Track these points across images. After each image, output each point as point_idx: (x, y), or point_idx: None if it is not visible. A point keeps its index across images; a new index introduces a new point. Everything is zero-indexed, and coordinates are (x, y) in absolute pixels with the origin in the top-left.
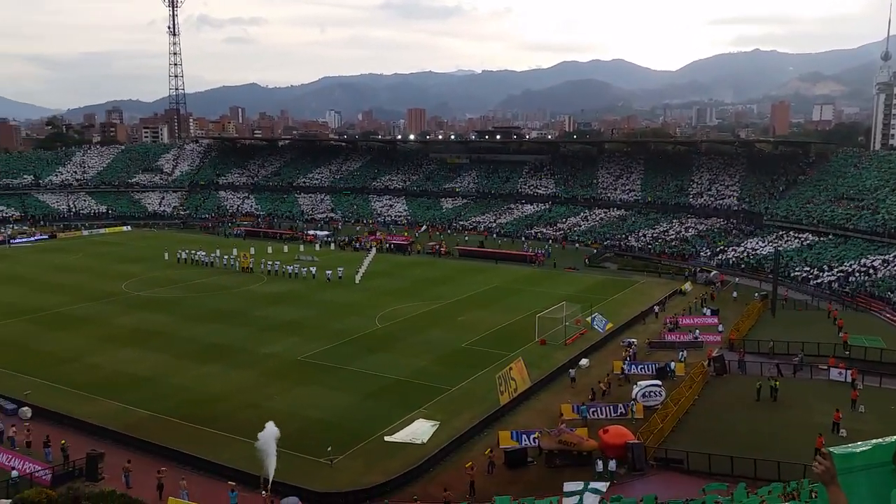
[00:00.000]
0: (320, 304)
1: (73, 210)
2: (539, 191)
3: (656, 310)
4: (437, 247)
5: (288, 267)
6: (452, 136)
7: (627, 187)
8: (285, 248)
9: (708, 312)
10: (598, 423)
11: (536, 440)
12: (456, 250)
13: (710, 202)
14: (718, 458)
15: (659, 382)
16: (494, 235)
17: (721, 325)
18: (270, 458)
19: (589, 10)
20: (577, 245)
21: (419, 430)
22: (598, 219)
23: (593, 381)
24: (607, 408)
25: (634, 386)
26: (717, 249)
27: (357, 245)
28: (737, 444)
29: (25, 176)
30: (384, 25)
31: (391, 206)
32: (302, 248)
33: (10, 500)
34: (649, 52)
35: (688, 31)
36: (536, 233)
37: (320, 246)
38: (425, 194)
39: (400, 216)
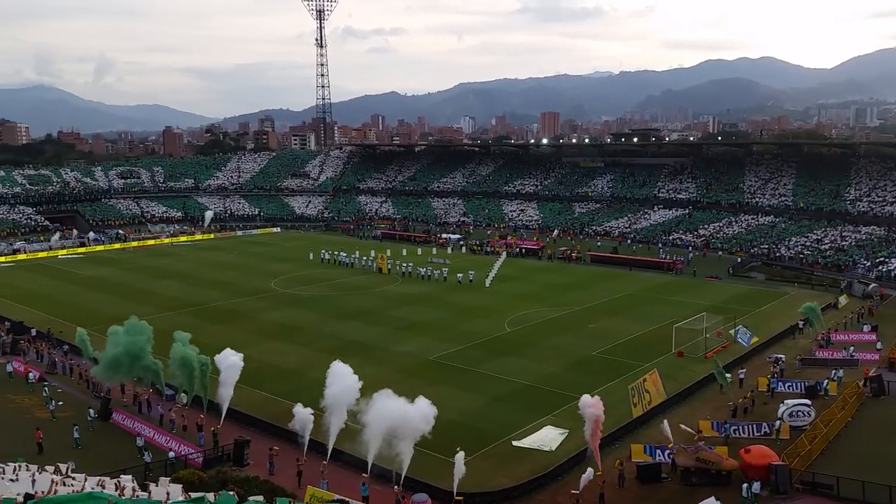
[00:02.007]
0: (451, 305)
1: (228, 211)
2: (679, 195)
3: (800, 324)
4: (569, 252)
5: (421, 269)
6: (586, 140)
7: (777, 192)
8: (419, 251)
9: (866, 328)
10: (739, 441)
11: (671, 456)
12: (588, 256)
13: (869, 209)
14: (874, 487)
15: (808, 402)
16: (629, 241)
17: (880, 343)
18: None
19: (736, 6)
20: (719, 253)
21: (547, 437)
22: (743, 225)
23: (735, 398)
24: (750, 426)
25: (781, 405)
26: (877, 260)
27: (488, 249)
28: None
29: (187, 179)
30: (520, 30)
31: (522, 210)
32: (434, 251)
33: (168, 478)
34: (802, 49)
35: (845, 25)
36: (675, 239)
37: (452, 249)
38: (557, 199)
39: (531, 221)
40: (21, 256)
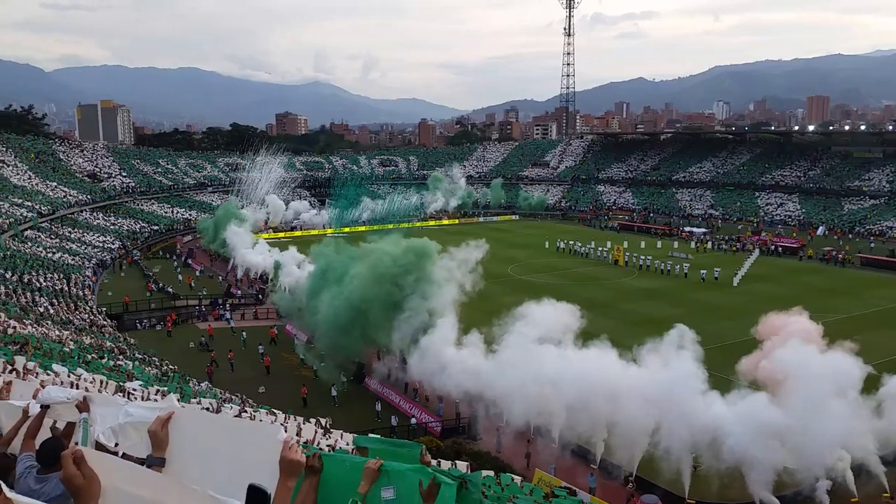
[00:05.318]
0: (692, 303)
1: (473, 199)
2: None
3: None
4: (835, 253)
5: (659, 263)
6: (862, 127)
7: None
8: (658, 244)
9: None
10: None
11: None
12: (858, 258)
13: None
14: None
15: None
16: None
17: None
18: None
19: None
20: None
21: None
22: None
23: None
24: None
25: None
26: None
27: (738, 245)
28: None
29: (438, 168)
30: (785, 7)
31: (781, 204)
32: (676, 244)
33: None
34: None
35: None
36: None
37: (696, 244)
38: (823, 192)
39: (790, 216)
40: (297, 233)
